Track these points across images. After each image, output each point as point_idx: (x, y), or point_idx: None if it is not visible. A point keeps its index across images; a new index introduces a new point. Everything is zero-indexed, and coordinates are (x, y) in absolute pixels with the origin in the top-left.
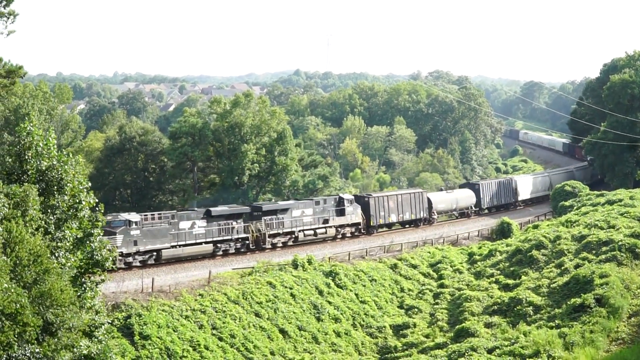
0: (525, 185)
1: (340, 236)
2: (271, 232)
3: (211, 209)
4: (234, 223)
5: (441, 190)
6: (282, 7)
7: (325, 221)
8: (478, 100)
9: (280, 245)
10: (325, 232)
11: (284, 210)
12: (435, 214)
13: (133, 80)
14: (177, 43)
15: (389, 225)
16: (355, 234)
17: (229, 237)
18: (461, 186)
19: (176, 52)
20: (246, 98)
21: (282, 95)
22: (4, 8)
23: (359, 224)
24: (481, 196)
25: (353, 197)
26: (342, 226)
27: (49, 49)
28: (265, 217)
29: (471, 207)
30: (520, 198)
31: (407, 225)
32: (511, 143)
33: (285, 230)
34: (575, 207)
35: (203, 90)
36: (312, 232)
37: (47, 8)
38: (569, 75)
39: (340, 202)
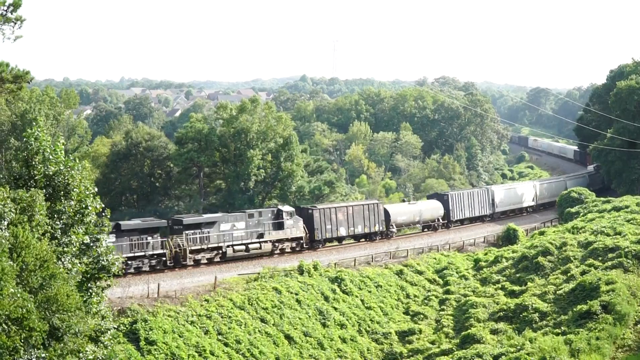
0: (505, 196)
1: (278, 251)
2: (194, 248)
3: (121, 222)
4: (149, 238)
5: (403, 201)
6: (288, 13)
7: (260, 235)
8: (484, 106)
9: (205, 261)
10: (260, 248)
11: (210, 224)
12: (394, 227)
13: (139, 86)
14: (183, 48)
15: (340, 240)
16: (297, 249)
17: (142, 253)
18: (428, 197)
19: (183, 57)
20: (252, 104)
21: (288, 100)
22: (11, 13)
23: (300, 238)
24: (450, 207)
25: (294, 210)
26: (280, 241)
27: (56, 54)
28: (187, 231)
29: (438, 220)
30: (498, 210)
31: (361, 239)
32: (520, 150)
33: (210, 246)
34: (581, 214)
35: (209, 95)
36: (243, 247)
37: (54, 13)
38: (575, 81)
39: (278, 214)
